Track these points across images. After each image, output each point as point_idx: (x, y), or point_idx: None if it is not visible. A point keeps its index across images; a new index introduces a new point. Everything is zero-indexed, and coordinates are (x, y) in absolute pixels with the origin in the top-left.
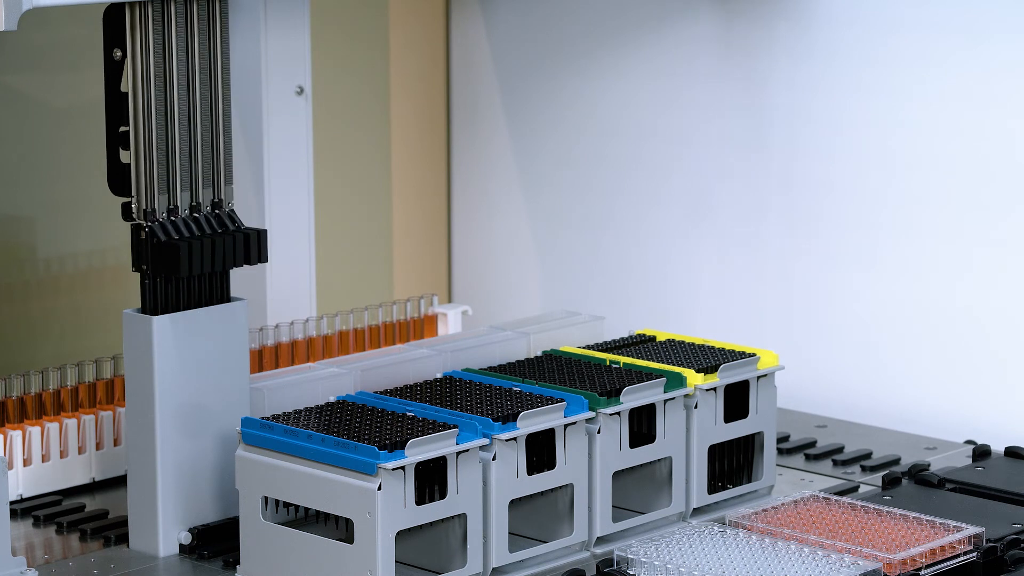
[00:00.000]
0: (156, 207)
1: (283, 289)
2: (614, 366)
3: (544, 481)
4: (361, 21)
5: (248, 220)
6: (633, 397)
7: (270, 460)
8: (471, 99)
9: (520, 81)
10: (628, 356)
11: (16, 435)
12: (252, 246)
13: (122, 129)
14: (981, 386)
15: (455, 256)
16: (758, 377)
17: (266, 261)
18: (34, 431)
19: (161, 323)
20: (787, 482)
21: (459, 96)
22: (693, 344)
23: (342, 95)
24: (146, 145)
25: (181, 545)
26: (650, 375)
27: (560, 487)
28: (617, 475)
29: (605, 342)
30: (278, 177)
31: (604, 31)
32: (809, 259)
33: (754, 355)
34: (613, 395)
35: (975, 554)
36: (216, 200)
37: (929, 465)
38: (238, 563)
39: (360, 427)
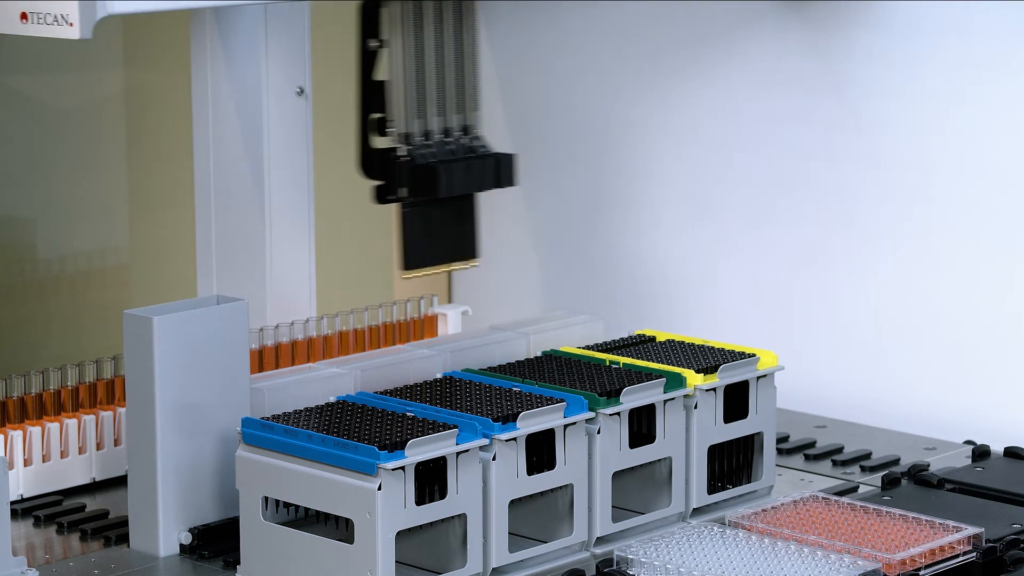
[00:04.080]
0: (412, 130)
1: (283, 289)
2: (614, 366)
3: (544, 481)
4: None
5: (248, 219)
6: (633, 397)
7: (270, 460)
8: None
9: (520, 82)
10: (628, 356)
11: (16, 435)
12: (503, 169)
13: (373, 116)
14: (981, 386)
15: None
16: (758, 377)
17: (514, 184)
18: (34, 431)
19: (161, 323)
20: (787, 482)
21: None
22: (693, 344)
23: (342, 95)
24: (404, 65)
25: (181, 545)
26: (650, 375)
27: (560, 487)
28: (617, 475)
29: (605, 342)
30: (278, 177)
31: (603, 31)
32: (809, 259)
33: (754, 355)
34: (613, 395)
35: (974, 554)
36: (465, 125)
37: (929, 465)
38: (238, 563)
39: (360, 427)
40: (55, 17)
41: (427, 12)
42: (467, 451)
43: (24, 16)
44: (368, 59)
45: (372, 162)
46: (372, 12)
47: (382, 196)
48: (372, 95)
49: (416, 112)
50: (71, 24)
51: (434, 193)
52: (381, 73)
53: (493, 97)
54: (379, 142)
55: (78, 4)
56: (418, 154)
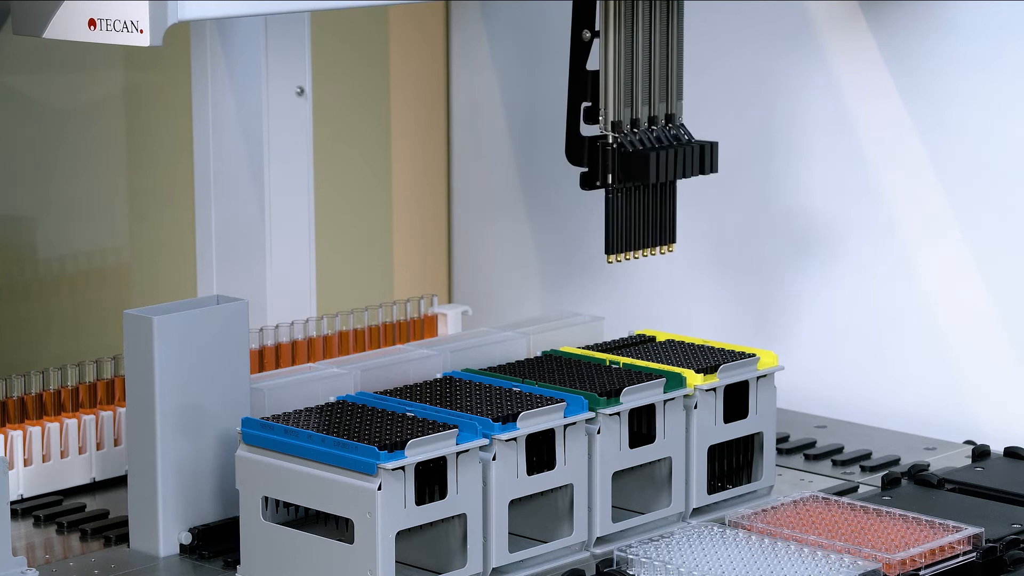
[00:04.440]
0: (622, 119)
1: (283, 289)
2: (614, 366)
3: (544, 481)
4: (361, 22)
5: (248, 219)
6: (633, 397)
7: (270, 460)
8: (471, 99)
9: (520, 81)
10: (628, 356)
11: (16, 435)
12: (706, 157)
13: (584, 105)
14: (981, 386)
15: (455, 256)
16: (758, 377)
17: (717, 171)
18: (34, 431)
19: (161, 323)
20: (787, 482)
21: (459, 96)
22: (693, 344)
23: (342, 95)
24: (616, 56)
25: (181, 545)
26: (650, 375)
27: (560, 487)
28: (617, 475)
29: (605, 342)
30: (278, 177)
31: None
32: (809, 259)
33: (754, 355)
34: (613, 395)
35: (974, 554)
36: (669, 114)
37: (929, 465)
38: (238, 563)
39: (360, 427)
40: (124, 23)
41: (639, 6)
42: (467, 451)
43: (92, 23)
44: (581, 49)
45: (580, 149)
46: (587, 4)
47: (589, 183)
48: (583, 84)
49: (625, 101)
50: (141, 31)
51: (644, 180)
52: (592, 63)
53: (494, 97)
54: (587, 130)
55: (149, 9)
56: (627, 142)
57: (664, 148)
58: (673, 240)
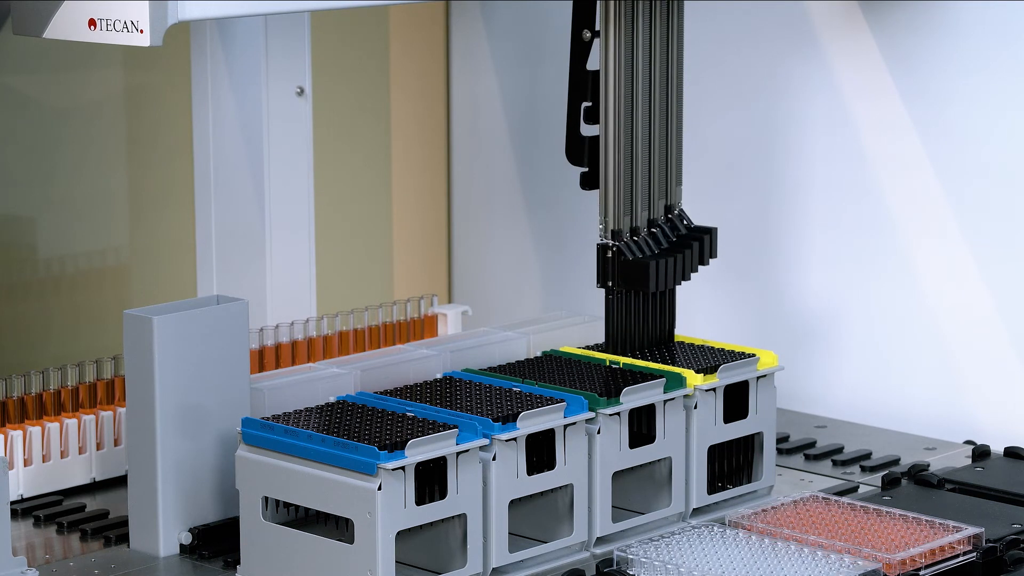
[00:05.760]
0: (621, 227)
1: (283, 289)
2: (614, 366)
3: (544, 481)
4: (361, 22)
5: (248, 219)
6: (633, 397)
7: (270, 460)
8: (471, 99)
9: (520, 81)
10: (628, 356)
11: (16, 435)
12: (705, 247)
13: (584, 105)
14: (981, 386)
15: (455, 256)
16: (758, 377)
17: (715, 257)
18: (34, 431)
19: (161, 323)
20: (787, 482)
21: (459, 96)
22: (693, 344)
23: (342, 96)
24: (616, 163)
25: (181, 545)
26: (650, 375)
27: (560, 487)
28: (617, 475)
29: (605, 342)
30: (278, 177)
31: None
32: (808, 258)
33: (754, 355)
34: (613, 395)
35: (974, 554)
36: (668, 204)
37: (929, 465)
38: (238, 563)
39: (360, 427)
40: (124, 23)
41: (639, 6)
42: (467, 451)
43: (92, 23)
44: (581, 49)
45: (581, 149)
46: (587, 4)
47: (590, 183)
48: (584, 84)
49: (625, 210)
50: (141, 31)
51: (644, 288)
52: (592, 63)
53: (494, 97)
54: (587, 130)
55: (149, 9)
56: (626, 247)
57: (664, 255)
58: (672, 340)
